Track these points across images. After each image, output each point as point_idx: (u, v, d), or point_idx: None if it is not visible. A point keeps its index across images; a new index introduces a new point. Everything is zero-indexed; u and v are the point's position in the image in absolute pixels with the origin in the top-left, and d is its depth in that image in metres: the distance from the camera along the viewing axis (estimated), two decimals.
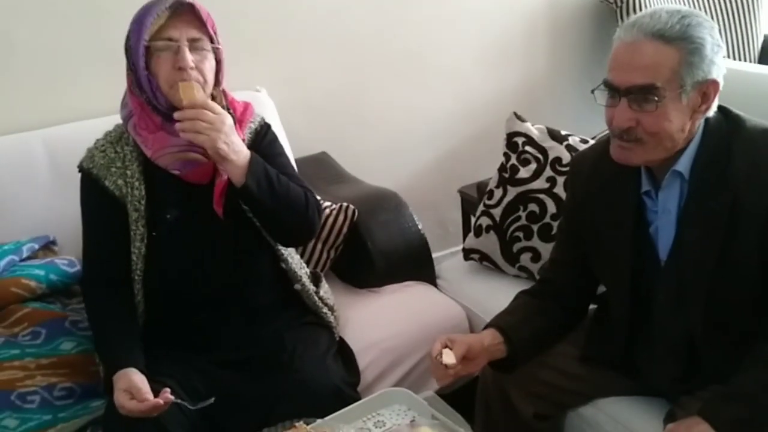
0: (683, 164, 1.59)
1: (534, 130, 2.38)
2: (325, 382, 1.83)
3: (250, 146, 1.83)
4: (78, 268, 2.00)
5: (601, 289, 1.88)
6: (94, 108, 2.30)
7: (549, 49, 3.27)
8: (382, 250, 2.34)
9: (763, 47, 3.13)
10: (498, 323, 1.80)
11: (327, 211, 2.31)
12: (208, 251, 1.85)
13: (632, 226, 1.68)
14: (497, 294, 2.25)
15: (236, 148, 1.73)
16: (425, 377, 2.18)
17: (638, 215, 1.68)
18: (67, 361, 1.85)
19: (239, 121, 1.85)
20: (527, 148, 2.35)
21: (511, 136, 2.40)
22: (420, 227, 2.41)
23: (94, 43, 2.36)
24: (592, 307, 1.96)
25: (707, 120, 1.59)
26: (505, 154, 2.40)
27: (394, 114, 3.01)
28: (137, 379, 1.65)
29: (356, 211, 2.32)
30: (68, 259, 2.02)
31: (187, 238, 1.84)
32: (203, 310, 1.86)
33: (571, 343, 1.89)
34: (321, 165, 2.75)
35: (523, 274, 2.35)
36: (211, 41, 1.76)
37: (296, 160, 2.58)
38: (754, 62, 3.11)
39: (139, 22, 1.72)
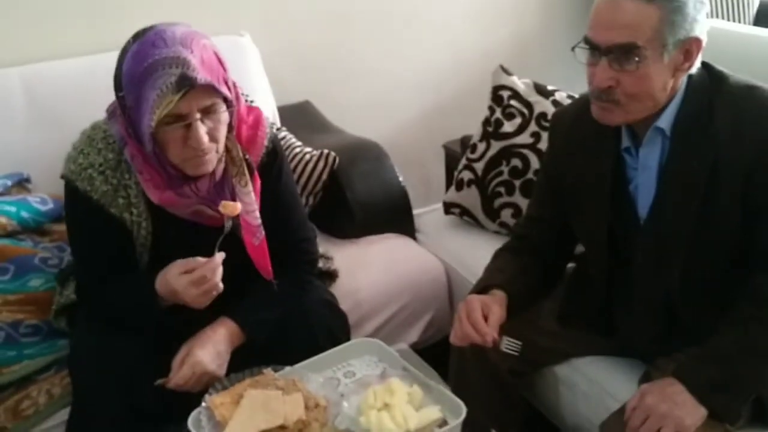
0: (665, 121, 1.56)
1: (520, 84, 2.33)
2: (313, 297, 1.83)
3: (261, 177, 1.72)
4: (51, 206, 1.96)
5: (581, 248, 1.86)
6: (73, 47, 2.26)
7: (540, 4, 3.21)
8: (361, 200, 2.32)
9: (758, 11, 3.11)
10: (499, 283, 1.76)
11: (307, 157, 2.28)
12: None
13: (611, 182, 1.65)
14: (476, 249, 2.23)
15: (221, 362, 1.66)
16: (399, 330, 2.18)
17: (618, 172, 1.65)
18: (35, 298, 1.82)
19: (252, 167, 1.69)
20: (512, 102, 2.31)
21: (496, 90, 2.36)
22: (401, 179, 2.38)
23: None
24: (571, 265, 1.93)
25: (690, 76, 1.56)
26: (490, 107, 2.36)
27: (380, 66, 2.96)
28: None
29: (336, 159, 2.28)
30: (41, 197, 1.97)
31: None
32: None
33: (549, 299, 1.87)
34: (304, 114, 2.70)
35: (503, 230, 2.32)
36: (226, 102, 1.56)
37: (279, 108, 2.55)
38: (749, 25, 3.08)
39: (137, 85, 1.47)
